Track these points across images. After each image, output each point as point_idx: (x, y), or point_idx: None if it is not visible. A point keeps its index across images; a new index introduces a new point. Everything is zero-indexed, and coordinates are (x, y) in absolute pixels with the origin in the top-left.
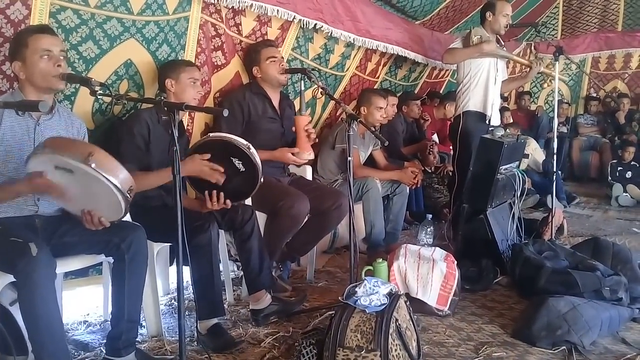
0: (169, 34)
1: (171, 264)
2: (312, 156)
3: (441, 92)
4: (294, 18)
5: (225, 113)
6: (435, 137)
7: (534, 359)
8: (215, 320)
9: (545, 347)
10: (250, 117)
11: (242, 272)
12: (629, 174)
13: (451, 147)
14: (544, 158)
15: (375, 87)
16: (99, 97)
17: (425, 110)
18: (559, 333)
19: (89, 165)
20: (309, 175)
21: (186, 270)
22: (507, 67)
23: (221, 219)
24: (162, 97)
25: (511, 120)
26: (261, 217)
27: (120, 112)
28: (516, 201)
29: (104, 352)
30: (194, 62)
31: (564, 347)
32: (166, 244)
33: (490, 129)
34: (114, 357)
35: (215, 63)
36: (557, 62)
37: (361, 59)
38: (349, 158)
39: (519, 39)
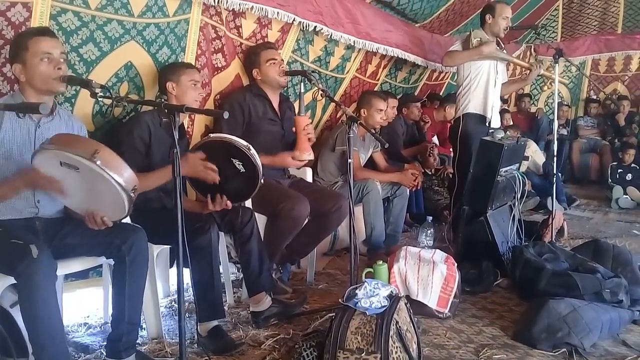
0: (169, 36)
1: (171, 266)
2: (311, 156)
3: (441, 94)
4: (294, 20)
5: (226, 115)
6: (435, 139)
7: None
8: (215, 323)
9: (545, 349)
10: (251, 118)
11: (242, 274)
12: (629, 176)
13: (451, 149)
14: (544, 160)
15: (375, 89)
16: (99, 99)
17: (425, 113)
18: (560, 335)
19: (94, 162)
20: (309, 177)
21: (186, 272)
22: (507, 70)
23: (221, 220)
24: (163, 99)
25: (511, 123)
26: (261, 219)
27: (120, 114)
28: (516, 203)
29: (105, 354)
30: (194, 64)
31: (565, 350)
32: (166, 246)
33: (490, 131)
34: (114, 359)
35: (216, 65)
36: (557, 65)
37: (361, 62)
38: (349, 160)
39: (518, 42)
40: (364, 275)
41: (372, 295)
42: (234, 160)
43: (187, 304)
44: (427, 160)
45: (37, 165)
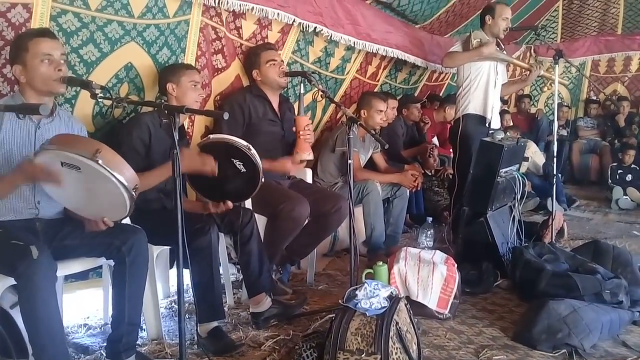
0: (169, 37)
1: (171, 267)
2: (311, 156)
3: (441, 95)
4: (294, 21)
5: (226, 116)
6: (435, 140)
7: None
8: (215, 324)
9: (545, 350)
10: (251, 119)
11: (242, 275)
12: (629, 177)
13: (451, 150)
14: (544, 161)
15: (375, 90)
16: (99, 100)
17: (425, 113)
18: (560, 336)
19: (96, 162)
20: (309, 178)
21: (186, 273)
22: (507, 71)
23: (221, 221)
24: (163, 100)
25: (511, 123)
26: (261, 220)
27: (120, 115)
28: (516, 204)
29: (104, 355)
30: (194, 65)
31: (565, 350)
32: (166, 247)
33: (490, 132)
34: None
35: (216, 66)
36: (557, 65)
37: (361, 63)
38: (349, 161)
39: (518, 42)
40: (364, 276)
41: (372, 296)
42: (234, 161)
43: (187, 305)
44: (427, 161)
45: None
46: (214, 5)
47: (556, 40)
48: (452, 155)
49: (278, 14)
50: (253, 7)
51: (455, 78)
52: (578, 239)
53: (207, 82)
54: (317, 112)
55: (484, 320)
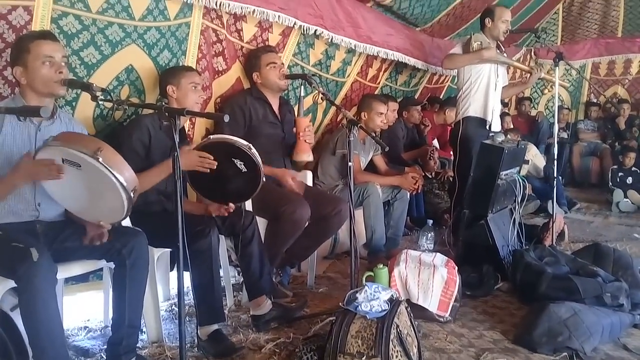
0: (170, 39)
1: (171, 270)
2: (311, 158)
3: (441, 97)
4: (295, 24)
5: (227, 118)
6: (435, 143)
7: None
8: (215, 326)
9: (546, 353)
10: (252, 121)
11: (242, 278)
12: (629, 180)
13: (452, 153)
14: (545, 164)
15: (375, 92)
16: (100, 102)
17: (425, 116)
18: (560, 339)
19: (96, 159)
20: (309, 181)
21: (186, 276)
22: (507, 73)
23: (222, 224)
24: (164, 103)
25: (511, 126)
26: (261, 223)
27: (121, 117)
28: (517, 207)
29: (105, 357)
30: (194, 67)
31: (565, 353)
32: (167, 250)
33: (490, 134)
34: None
35: (216, 68)
36: (557, 68)
37: (362, 65)
38: (350, 163)
39: (518, 45)
40: (364, 278)
41: (372, 299)
42: (235, 160)
43: (187, 307)
44: (427, 164)
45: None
46: (214, 7)
47: (556, 43)
48: (452, 157)
49: (279, 16)
50: (254, 10)
51: (456, 80)
52: (579, 241)
53: (207, 85)
54: (317, 114)
55: (484, 323)
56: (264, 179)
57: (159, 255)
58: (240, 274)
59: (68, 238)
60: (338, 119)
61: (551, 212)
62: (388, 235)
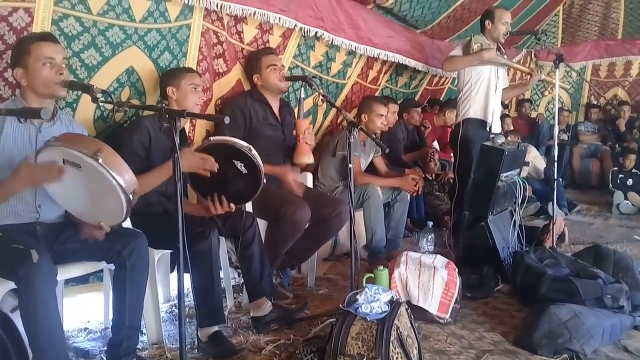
0: (170, 41)
1: (172, 271)
2: (311, 160)
3: (442, 99)
4: (296, 26)
5: (227, 120)
6: (435, 144)
7: None
8: (215, 328)
9: (546, 355)
10: (252, 123)
11: (242, 279)
12: (629, 182)
13: (452, 155)
14: (545, 165)
15: (376, 94)
16: (100, 104)
17: (425, 118)
18: (561, 341)
19: (96, 160)
20: (309, 183)
21: (187, 278)
22: (508, 75)
23: (222, 225)
24: (164, 105)
25: (512, 128)
26: (261, 224)
27: (122, 119)
28: (517, 208)
29: (105, 359)
30: (195, 69)
31: (566, 355)
32: (167, 251)
33: (491, 136)
34: None
35: (217, 70)
36: (558, 70)
37: (362, 67)
38: (350, 165)
39: (519, 47)
40: (364, 280)
41: (372, 301)
42: (235, 162)
43: (187, 309)
44: (427, 166)
45: (40, 161)
46: (215, 9)
47: (557, 45)
48: (452, 159)
49: (280, 18)
50: (255, 12)
51: (456, 82)
52: (579, 243)
53: (208, 87)
54: (318, 116)
55: (484, 325)
56: (265, 181)
57: (160, 256)
58: (241, 275)
59: (68, 240)
60: (338, 121)
61: (551, 214)
62: (388, 237)
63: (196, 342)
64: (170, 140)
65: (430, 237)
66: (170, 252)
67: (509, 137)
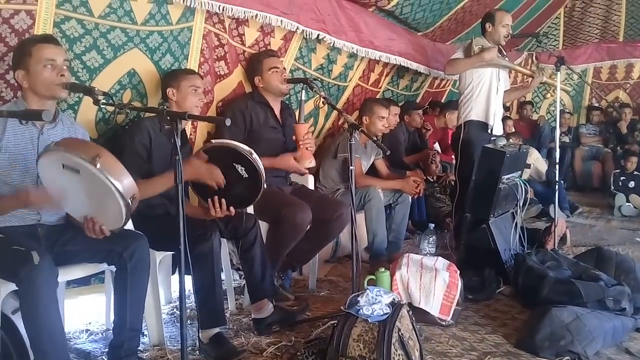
0: (172, 43)
1: (173, 273)
2: (313, 164)
3: (443, 101)
4: (297, 29)
5: (228, 122)
6: (437, 146)
7: None
8: (217, 330)
9: (548, 357)
10: (252, 125)
11: (244, 281)
12: (631, 184)
13: (453, 157)
14: (546, 168)
15: (377, 96)
16: (102, 106)
17: (426, 120)
18: (563, 343)
19: (94, 166)
20: (311, 185)
21: (188, 279)
22: (509, 77)
23: (224, 227)
24: (165, 107)
25: (513, 130)
26: (263, 226)
27: (123, 121)
28: (519, 211)
29: None
30: (197, 71)
31: (568, 358)
32: (168, 253)
33: (492, 138)
34: None
35: (218, 73)
36: (559, 72)
37: (364, 70)
38: (351, 167)
39: (520, 49)
40: (366, 282)
41: (374, 303)
42: (236, 166)
43: (188, 310)
44: (429, 168)
45: (41, 166)
46: (217, 12)
47: (558, 47)
48: (454, 161)
49: (281, 21)
50: (257, 14)
51: (457, 84)
52: (581, 245)
53: (209, 89)
54: (319, 118)
55: (486, 327)
56: (265, 186)
57: (161, 258)
58: (242, 277)
59: (69, 241)
60: (340, 123)
61: (553, 216)
62: (390, 239)
63: (197, 343)
64: (170, 142)
65: (431, 239)
66: (172, 254)
67: (510, 140)
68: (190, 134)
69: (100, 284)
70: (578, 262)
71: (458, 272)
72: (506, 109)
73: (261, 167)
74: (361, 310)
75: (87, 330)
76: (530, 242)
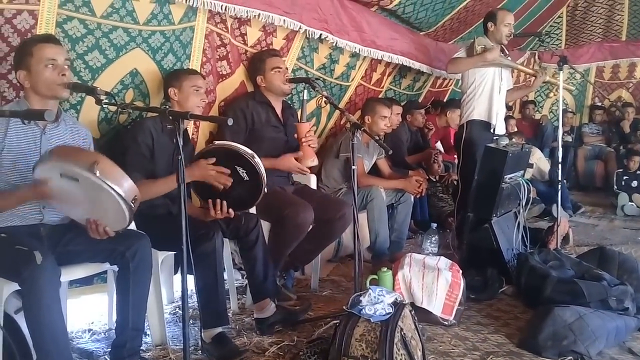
0: (174, 43)
1: (176, 273)
2: (315, 162)
3: (444, 100)
4: (300, 28)
5: (230, 122)
6: (439, 146)
7: None
8: (219, 329)
9: (551, 357)
10: (254, 125)
11: (246, 281)
12: (634, 183)
13: (455, 156)
14: (549, 167)
15: (379, 96)
16: (104, 106)
17: (429, 119)
18: (565, 343)
19: (93, 174)
20: (313, 184)
21: (190, 279)
22: (512, 76)
23: (226, 227)
24: (167, 106)
25: (516, 129)
26: (265, 226)
27: (125, 121)
28: (521, 210)
29: None
30: (199, 71)
31: (571, 357)
32: (171, 253)
33: (494, 138)
34: None
35: (221, 72)
36: (562, 72)
37: (366, 69)
38: (353, 167)
39: (522, 49)
40: (368, 282)
41: (376, 302)
42: (238, 168)
43: (191, 310)
44: (431, 167)
45: (38, 176)
46: (219, 11)
47: (560, 47)
48: (456, 161)
49: (284, 20)
50: (259, 14)
51: (459, 84)
52: (583, 245)
53: (211, 89)
54: (321, 118)
55: (489, 327)
56: (266, 190)
57: (163, 258)
58: (244, 276)
59: (72, 241)
60: (342, 123)
61: (556, 216)
62: (392, 238)
63: (200, 343)
64: (173, 142)
65: (434, 238)
66: (174, 254)
67: (513, 139)
68: (193, 134)
69: (103, 283)
70: (581, 261)
71: (460, 271)
72: (509, 108)
73: (263, 170)
74: (363, 310)
75: (89, 330)
76: (532, 242)
